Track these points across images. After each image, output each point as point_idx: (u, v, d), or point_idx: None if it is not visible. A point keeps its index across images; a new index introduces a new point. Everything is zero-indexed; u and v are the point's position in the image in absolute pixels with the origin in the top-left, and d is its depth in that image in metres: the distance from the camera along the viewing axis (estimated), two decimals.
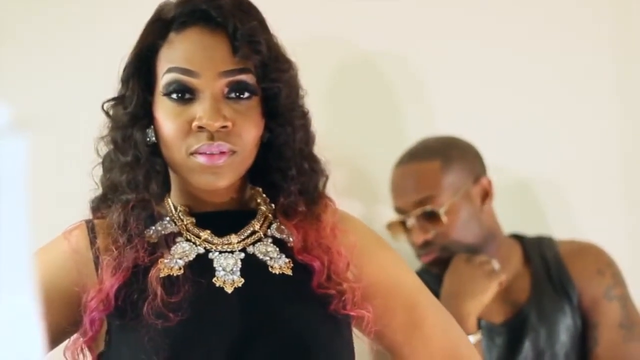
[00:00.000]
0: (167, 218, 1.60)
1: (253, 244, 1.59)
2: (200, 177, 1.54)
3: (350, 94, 2.63)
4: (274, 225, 1.62)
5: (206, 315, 1.51)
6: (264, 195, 1.64)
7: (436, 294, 2.39)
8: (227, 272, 1.55)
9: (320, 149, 1.67)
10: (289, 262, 1.58)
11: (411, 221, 2.39)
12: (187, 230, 1.59)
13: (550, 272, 2.43)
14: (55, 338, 1.56)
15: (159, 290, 1.50)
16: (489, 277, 2.30)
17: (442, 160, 2.39)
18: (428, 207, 2.36)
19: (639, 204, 2.75)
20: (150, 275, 1.52)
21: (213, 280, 1.54)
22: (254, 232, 1.60)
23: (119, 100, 1.60)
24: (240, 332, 1.50)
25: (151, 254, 1.55)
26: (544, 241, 2.48)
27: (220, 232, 1.59)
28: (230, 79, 1.54)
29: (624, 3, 2.68)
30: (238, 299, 1.53)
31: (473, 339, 2.25)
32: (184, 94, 1.54)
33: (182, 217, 1.60)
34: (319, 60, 2.56)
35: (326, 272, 1.57)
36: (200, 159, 1.53)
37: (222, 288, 1.53)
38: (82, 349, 1.56)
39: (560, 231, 2.56)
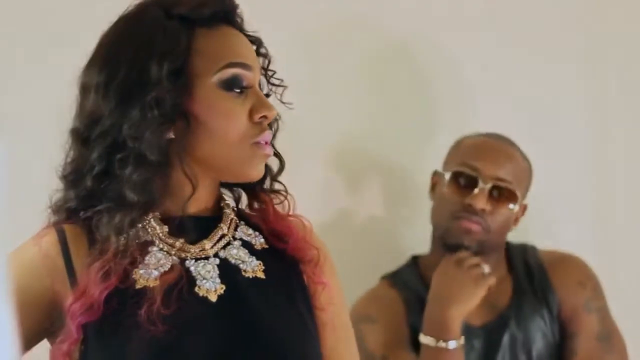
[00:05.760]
0: (139, 225, 1.57)
1: (224, 247, 1.60)
2: (257, 167, 1.58)
3: (383, 83, 2.67)
4: (240, 228, 1.63)
5: (193, 326, 1.51)
6: (226, 200, 1.66)
7: (418, 294, 2.40)
8: (208, 280, 1.55)
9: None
10: (260, 264, 1.60)
11: (487, 185, 2.37)
12: (160, 239, 1.58)
13: (532, 279, 2.44)
14: (28, 343, 1.54)
15: (143, 300, 1.49)
16: (477, 283, 2.30)
17: (530, 167, 2.45)
18: (512, 186, 2.38)
19: (609, 213, 2.77)
20: (132, 283, 1.52)
21: (195, 290, 1.54)
22: (223, 236, 1.61)
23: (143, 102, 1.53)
24: (226, 340, 1.51)
25: (132, 262, 1.54)
26: (528, 249, 2.51)
27: (191, 239, 1.58)
28: (261, 74, 1.63)
29: None
30: (223, 307, 1.53)
31: (456, 343, 2.25)
32: (242, 88, 1.58)
33: (155, 224, 1.58)
34: (353, 47, 2.61)
35: (296, 242, 1.63)
36: (264, 150, 1.57)
37: (207, 297, 1.54)
38: (68, 354, 1.53)
39: (537, 240, 2.57)
